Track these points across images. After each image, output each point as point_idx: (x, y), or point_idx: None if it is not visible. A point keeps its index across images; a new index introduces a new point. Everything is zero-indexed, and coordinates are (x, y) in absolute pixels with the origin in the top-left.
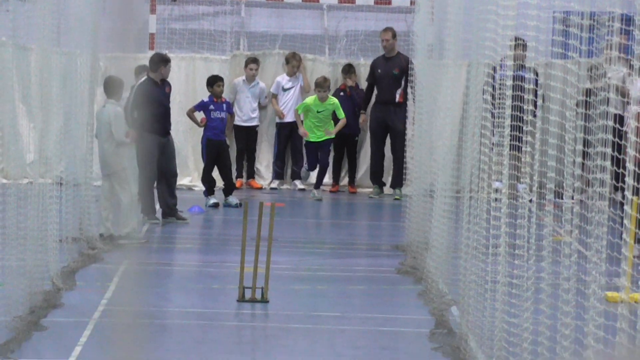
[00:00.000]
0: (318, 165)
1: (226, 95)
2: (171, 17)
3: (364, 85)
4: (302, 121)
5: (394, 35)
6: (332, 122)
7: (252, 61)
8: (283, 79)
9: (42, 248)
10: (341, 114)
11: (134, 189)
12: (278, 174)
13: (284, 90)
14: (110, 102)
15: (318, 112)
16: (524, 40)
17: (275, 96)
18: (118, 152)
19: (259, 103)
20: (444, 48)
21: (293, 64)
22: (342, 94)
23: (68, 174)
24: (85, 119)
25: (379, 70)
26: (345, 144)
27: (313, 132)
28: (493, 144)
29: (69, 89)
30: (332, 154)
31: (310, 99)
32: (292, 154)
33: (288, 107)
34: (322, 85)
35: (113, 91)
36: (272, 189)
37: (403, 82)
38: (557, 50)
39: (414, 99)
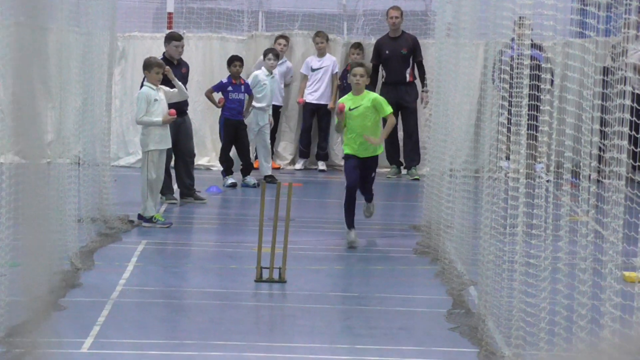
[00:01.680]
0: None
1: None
2: None
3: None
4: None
5: (402, 14)
6: (378, 127)
7: (281, 37)
8: (312, 60)
9: (61, 228)
10: (386, 110)
11: (153, 174)
12: (303, 153)
13: (313, 70)
14: (144, 84)
15: (350, 109)
16: (525, 19)
17: (305, 77)
18: (146, 133)
19: (284, 82)
20: (462, 27)
21: (317, 40)
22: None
23: (86, 154)
24: (104, 99)
25: (387, 51)
26: None
27: (353, 144)
28: (510, 123)
29: (87, 69)
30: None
31: (346, 96)
32: (318, 134)
33: (317, 88)
34: (357, 71)
35: (145, 72)
36: (296, 169)
37: (411, 61)
38: (574, 29)
39: (422, 78)
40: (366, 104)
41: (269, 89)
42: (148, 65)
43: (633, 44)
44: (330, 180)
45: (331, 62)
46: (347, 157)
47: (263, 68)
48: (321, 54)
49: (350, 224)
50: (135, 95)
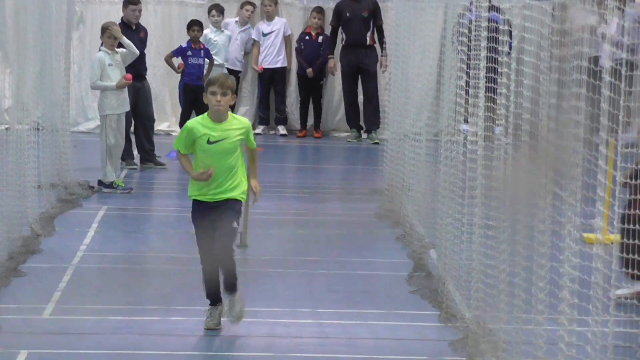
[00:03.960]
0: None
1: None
2: None
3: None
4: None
5: None
6: (242, 167)
7: (248, 3)
8: (262, 25)
9: (20, 194)
10: (252, 144)
11: (111, 140)
12: (262, 120)
13: (264, 35)
14: (101, 48)
15: (210, 142)
16: None
17: (256, 43)
18: (102, 97)
19: (245, 50)
20: None
21: (265, 3)
22: (307, 37)
23: (45, 120)
24: (62, 64)
25: (347, 14)
26: (310, 88)
27: (204, 189)
28: (468, 86)
29: (45, 34)
30: (297, 99)
31: (195, 120)
32: (275, 98)
33: (271, 52)
34: (215, 89)
35: (101, 37)
36: (256, 134)
37: (371, 25)
38: None
39: (382, 43)
40: (234, 137)
41: (221, 44)
42: (101, 30)
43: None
44: (290, 145)
45: (281, 24)
46: (193, 205)
47: (210, 26)
48: (269, 17)
49: (214, 296)
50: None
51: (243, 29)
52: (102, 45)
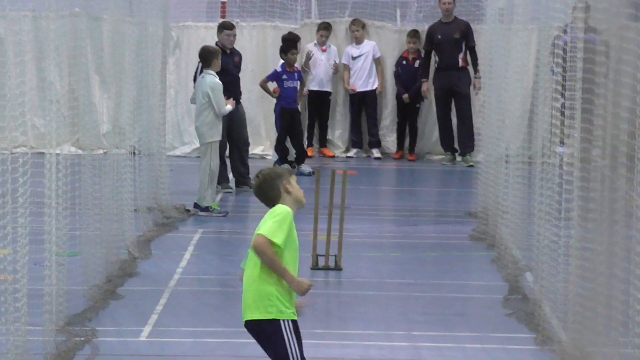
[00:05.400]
0: None
1: (299, 61)
2: None
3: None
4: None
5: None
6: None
7: (323, 27)
8: (351, 49)
9: (118, 217)
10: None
11: (214, 164)
12: (356, 143)
13: (353, 59)
14: (208, 73)
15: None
16: (585, 2)
17: (346, 67)
18: (210, 124)
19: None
20: (515, 12)
21: (352, 29)
22: (404, 62)
23: (142, 144)
24: (159, 88)
25: (439, 36)
26: (407, 112)
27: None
28: (564, 108)
29: (142, 59)
30: (393, 121)
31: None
32: (367, 121)
33: (360, 75)
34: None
35: (208, 61)
36: (348, 157)
37: (463, 46)
38: (629, 12)
39: (475, 64)
40: None
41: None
42: (214, 52)
43: None
44: (384, 168)
45: (370, 47)
46: (287, 325)
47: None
48: (358, 41)
49: None
50: (190, 84)
51: (324, 47)
52: (199, 68)
